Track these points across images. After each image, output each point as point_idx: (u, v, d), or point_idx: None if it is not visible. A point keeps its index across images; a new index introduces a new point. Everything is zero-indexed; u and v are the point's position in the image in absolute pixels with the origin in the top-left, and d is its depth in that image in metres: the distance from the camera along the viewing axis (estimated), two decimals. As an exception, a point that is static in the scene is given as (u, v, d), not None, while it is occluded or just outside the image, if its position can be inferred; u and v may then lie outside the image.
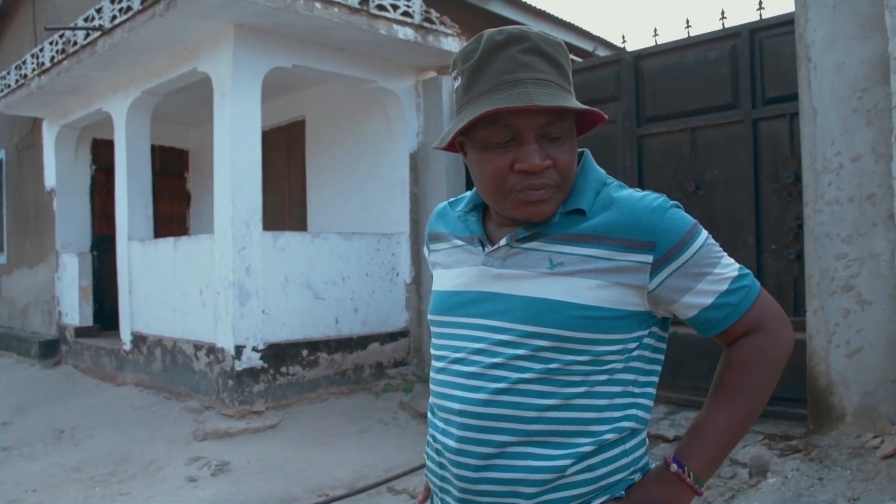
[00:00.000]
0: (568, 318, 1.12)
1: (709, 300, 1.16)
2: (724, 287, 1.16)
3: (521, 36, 1.12)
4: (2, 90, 8.95)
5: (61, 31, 7.42)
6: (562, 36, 8.22)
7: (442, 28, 6.80)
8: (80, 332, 8.76)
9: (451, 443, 1.18)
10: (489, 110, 1.08)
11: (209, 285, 6.35)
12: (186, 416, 5.95)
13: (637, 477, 1.20)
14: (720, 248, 1.20)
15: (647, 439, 1.27)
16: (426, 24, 6.66)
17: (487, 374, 1.15)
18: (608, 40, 8.78)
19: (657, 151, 5.47)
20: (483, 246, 1.24)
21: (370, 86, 7.13)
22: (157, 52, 6.63)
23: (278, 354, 6.26)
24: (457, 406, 1.18)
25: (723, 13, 5.13)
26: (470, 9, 7.49)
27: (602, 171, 1.26)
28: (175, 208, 10.45)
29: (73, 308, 8.94)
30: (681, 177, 5.31)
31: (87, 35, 6.85)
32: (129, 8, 6.16)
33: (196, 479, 4.53)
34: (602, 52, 6.94)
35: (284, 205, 9.05)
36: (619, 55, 5.78)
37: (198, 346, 6.49)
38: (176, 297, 6.91)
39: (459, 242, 1.30)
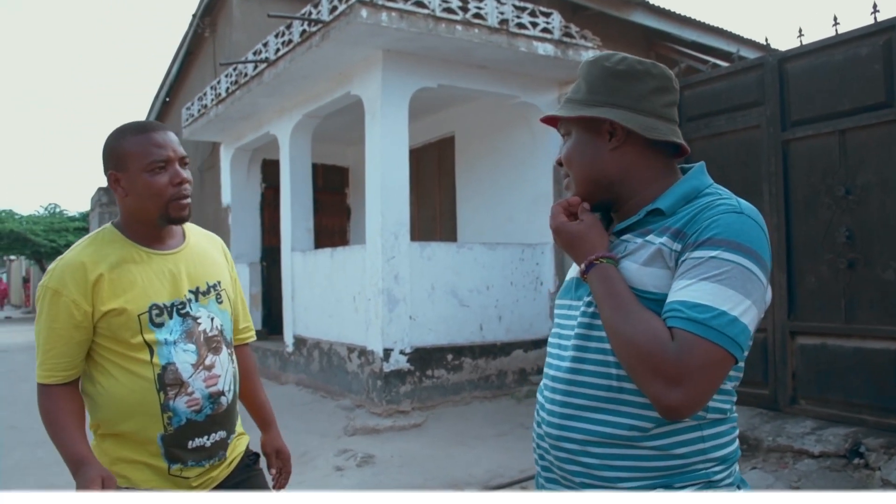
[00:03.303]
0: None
1: (679, 297, 1.16)
2: (698, 300, 1.13)
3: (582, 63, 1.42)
4: (187, 119, 10.08)
5: (234, 65, 8.27)
6: (705, 40, 8.13)
7: (582, 42, 6.89)
8: (251, 335, 9.60)
9: (546, 403, 1.33)
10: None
11: (361, 292, 6.82)
12: (339, 412, 6.42)
13: (716, 468, 1.21)
14: (743, 287, 1.14)
15: (735, 432, 1.27)
16: (566, 39, 6.78)
17: (575, 345, 1.29)
18: (754, 40, 8.45)
19: (804, 156, 5.26)
20: None
21: (514, 101, 7.36)
22: (315, 79, 7.24)
23: (424, 358, 6.59)
24: (551, 372, 1.34)
25: (875, 7, 4.87)
26: (612, 21, 7.53)
27: (708, 182, 1.31)
28: (336, 222, 11.18)
29: (246, 313, 9.80)
30: (829, 181, 5.07)
31: (256, 67, 7.61)
32: (289, 41, 6.82)
33: (342, 469, 4.93)
34: (746, 53, 6.72)
35: (436, 217, 9.46)
36: (761, 59, 5.62)
37: (350, 349, 6.97)
38: (332, 303, 7.46)
39: None
